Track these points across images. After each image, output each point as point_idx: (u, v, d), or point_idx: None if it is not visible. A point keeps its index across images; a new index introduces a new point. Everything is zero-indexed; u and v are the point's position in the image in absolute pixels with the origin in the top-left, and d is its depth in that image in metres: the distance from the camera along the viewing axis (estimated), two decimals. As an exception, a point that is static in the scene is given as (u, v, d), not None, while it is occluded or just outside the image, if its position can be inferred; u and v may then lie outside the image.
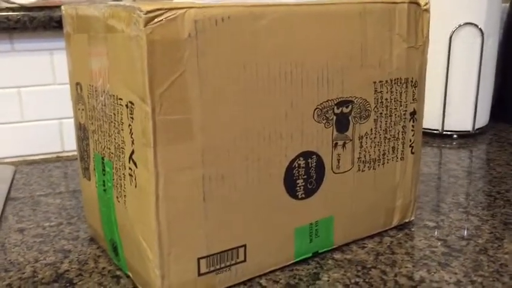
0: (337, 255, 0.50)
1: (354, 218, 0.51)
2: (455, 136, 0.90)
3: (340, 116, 0.47)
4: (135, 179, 0.41)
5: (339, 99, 0.47)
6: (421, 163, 0.78)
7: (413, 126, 0.53)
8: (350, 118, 0.48)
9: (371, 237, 0.54)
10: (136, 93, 0.38)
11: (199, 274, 0.43)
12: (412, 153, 0.54)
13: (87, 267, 0.48)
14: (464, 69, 0.87)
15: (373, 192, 0.52)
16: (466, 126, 0.89)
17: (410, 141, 0.54)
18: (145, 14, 0.36)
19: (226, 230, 0.43)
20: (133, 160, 0.40)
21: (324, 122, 0.46)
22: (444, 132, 0.90)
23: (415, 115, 0.53)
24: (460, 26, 0.84)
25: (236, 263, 0.44)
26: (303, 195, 0.47)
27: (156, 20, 0.36)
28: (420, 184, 0.68)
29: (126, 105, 0.40)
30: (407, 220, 0.56)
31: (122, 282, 0.46)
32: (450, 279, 0.45)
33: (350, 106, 0.48)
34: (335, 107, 0.47)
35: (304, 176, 0.46)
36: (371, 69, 0.48)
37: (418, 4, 0.51)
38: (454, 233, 0.54)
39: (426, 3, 0.52)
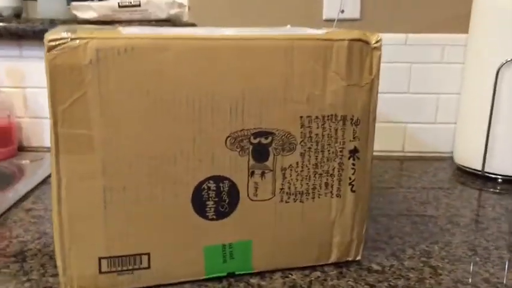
0: (254, 280, 0.52)
1: (278, 246, 0.52)
2: (500, 180, 0.82)
3: (258, 146, 0.49)
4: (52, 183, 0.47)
5: (257, 130, 0.48)
6: (446, 200, 0.73)
7: (353, 164, 0.52)
8: (270, 149, 0.49)
9: (303, 268, 0.54)
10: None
11: (100, 272, 0.48)
12: (353, 191, 0.53)
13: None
14: (510, 108, 0.79)
15: (301, 224, 0.52)
16: (510, 170, 0.81)
17: (350, 179, 0.52)
18: (48, 42, 0.42)
19: (128, 237, 0.48)
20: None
21: (238, 150, 0.48)
22: (487, 174, 0.82)
23: (356, 153, 0.52)
24: (507, 61, 0.77)
25: (139, 268, 0.49)
26: (214, 217, 0.49)
27: (58, 47, 0.42)
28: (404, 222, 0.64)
29: (52, 117, 0.47)
30: (350, 259, 0.55)
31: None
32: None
33: (270, 138, 0.49)
34: (251, 137, 0.48)
35: (215, 199, 0.49)
36: (297, 104, 0.49)
37: (365, 42, 0.50)
38: (390, 281, 0.52)
39: (377, 41, 0.50)
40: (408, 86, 0.95)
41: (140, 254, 0.49)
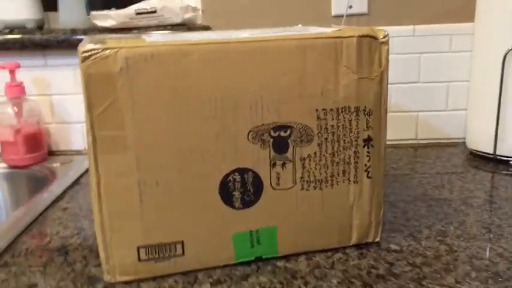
0: (280, 263, 0.55)
1: (301, 231, 0.56)
2: (511, 162, 0.85)
3: (278, 139, 0.53)
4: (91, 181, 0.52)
5: (275, 124, 0.52)
6: (459, 183, 0.76)
7: (368, 152, 0.56)
8: (289, 141, 0.53)
9: (326, 251, 0.57)
10: (86, 114, 0.49)
11: (139, 260, 0.52)
12: (369, 177, 0.56)
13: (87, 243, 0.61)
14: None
15: (321, 210, 0.56)
16: (523, 153, 0.83)
17: (366, 166, 0.56)
18: (82, 53, 0.47)
19: (162, 227, 0.52)
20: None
21: (260, 143, 0.52)
22: (498, 157, 0.85)
23: (370, 142, 0.55)
24: (514, 46, 0.79)
25: (175, 256, 0.53)
26: (240, 206, 0.53)
27: (91, 58, 0.47)
28: (422, 206, 0.68)
29: (88, 121, 0.51)
30: (369, 241, 0.59)
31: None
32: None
33: (289, 131, 0.53)
34: (271, 131, 0.52)
35: (240, 189, 0.53)
36: (312, 99, 0.53)
37: (374, 38, 0.53)
38: (409, 259, 0.55)
39: (384, 36, 0.54)
40: (418, 75, 0.98)
41: (175, 243, 0.53)
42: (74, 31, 0.96)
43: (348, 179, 0.56)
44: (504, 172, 0.83)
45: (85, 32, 0.95)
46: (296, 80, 0.52)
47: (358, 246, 0.59)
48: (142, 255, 0.52)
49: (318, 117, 0.53)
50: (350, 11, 0.95)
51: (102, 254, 0.52)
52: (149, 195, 0.51)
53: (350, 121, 0.54)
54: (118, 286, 0.52)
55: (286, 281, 0.52)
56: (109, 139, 0.49)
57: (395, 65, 0.97)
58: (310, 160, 0.54)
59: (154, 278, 0.53)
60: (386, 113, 0.56)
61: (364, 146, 0.56)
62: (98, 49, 0.47)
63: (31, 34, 0.96)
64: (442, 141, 1.00)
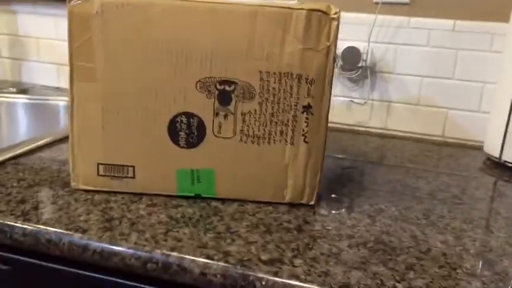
0: (214, 203, 0.63)
1: (238, 179, 0.63)
2: (518, 171, 0.82)
3: (223, 92, 0.60)
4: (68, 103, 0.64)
5: (222, 79, 0.59)
6: (445, 179, 0.77)
7: (307, 118, 0.60)
8: (233, 96, 0.60)
9: (261, 202, 0.64)
10: (70, 46, 0.61)
11: (98, 174, 0.63)
12: (306, 142, 0.61)
13: (81, 161, 0.74)
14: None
15: (257, 163, 0.62)
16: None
17: (303, 130, 0.61)
18: (69, -4, 0.58)
19: (119, 151, 0.62)
20: (73, 90, 0.64)
21: (206, 93, 0.60)
22: (506, 164, 0.82)
23: (309, 109, 0.60)
24: (532, 50, 0.76)
25: (127, 177, 0.63)
26: (185, 145, 0.62)
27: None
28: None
29: (78, 54, 0.63)
30: (303, 202, 0.64)
31: (83, 172, 0.70)
32: (236, 255, 0.54)
33: (233, 86, 0.60)
34: (217, 84, 0.60)
35: (186, 131, 0.61)
36: (257, 61, 0.59)
37: (324, 13, 0.58)
38: (323, 222, 0.59)
39: (335, 13, 0.58)
40: (453, 72, 0.96)
41: (127, 166, 0.63)
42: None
43: (285, 139, 0.61)
44: (505, 178, 0.80)
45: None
46: (245, 41, 0.58)
47: (292, 204, 0.64)
48: (101, 171, 0.63)
49: (261, 79, 0.59)
50: (391, 0, 0.97)
51: (70, 165, 0.64)
52: (110, 122, 0.62)
53: (291, 86, 0.60)
54: (80, 192, 0.64)
55: (207, 215, 0.60)
56: (83, 69, 0.60)
57: (430, 58, 0.96)
58: (250, 116, 0.61)
59: (108, 192, 0.64)
60: (330, 84, 0.60)
61: (303, 112, 0.60)
62: (81, -6, 0.58)
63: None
64: (468, 142, 0.98)
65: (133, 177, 0.64)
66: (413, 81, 0.99)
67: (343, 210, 0.64)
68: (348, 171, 0.79)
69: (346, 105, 1.03)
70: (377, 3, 0.97)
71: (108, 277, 0.55)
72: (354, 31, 0.99)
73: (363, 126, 1.04)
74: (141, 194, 0.64)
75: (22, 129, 1.12)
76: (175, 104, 0.61)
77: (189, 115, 0.61)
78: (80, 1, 0.58)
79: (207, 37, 0.58)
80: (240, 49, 0.59)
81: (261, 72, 0.59)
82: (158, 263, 0.51)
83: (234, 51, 0.59)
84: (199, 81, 0.60)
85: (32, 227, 0.55)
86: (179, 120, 0.61)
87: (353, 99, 1.02)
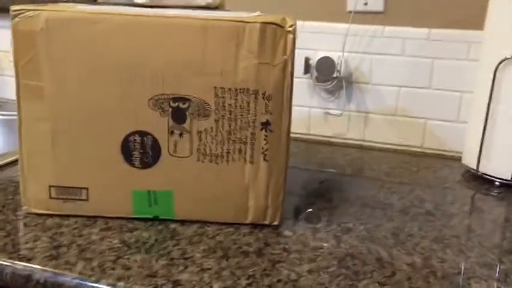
0: (173, 225, 0.60)
1: (197, 200, 0.60)
2: (497, 183, 0.79)
3: (177, 110, 0.57)
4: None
5: (175, 96, 0.57)
6: (419, 193, 0.74)
7: (266, 135, 0.58)
8: (187, 113, 0.57)
9: (223, 224, 0.61)
10: (17, 64, 0.58)
11: (50, 197, 0.60)
12: (266, 160, 0.58)
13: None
14: (507, 108, 0.75)
15: (216, 183, 0.59)
16: (505, 173, 0.77)
17: (263, 148, 0.58)
18: (13, 12, 0.55)
19: (71, 172, 0.59)
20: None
21: (160, 111, 0.57)
22: (484, 176, 0.79)
23: (268, 126, 0.57)
24: (507, 59, 0.73)
25: (80, 199, 0.60)
26: (140, 165, 0.59)
27: (19, 16, 0.55)
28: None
29: (27, 72, 0.60)
30: (266, 222, 0.61)
31: (39, 194, 0.67)
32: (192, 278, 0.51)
33: (187, 103, 0.57)
34: (171, 101, 0.57)
35: (140, 150, 0.58)
36: (211, 76, 0.56)
37: (279, 26, 0.55)
38: (286, 244, 0.56)
39: (291, 26, 0.55)
40: (430, 81, 0.93)
41: (80, 188, 0.60)
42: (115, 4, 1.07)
43: (244, 158, 0.58)
44: (483, 192, 0.77)
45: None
46: (197, 57, 0.56)
47: (255, 225, 0.61)
48: (53, 194, 0.60)
49: (216, 95, 0.57)
50: (365, 8, 0.94)
51: (21, 187, 0.61)
52: (60, 142, 0.59)
53: (248, 103, 0.57)
54: (32, 216, 0.61)
55: (163, 239, 0.57)
56: (29, 87, 0.57)
57: (406, 67, 0.94)
58: (206, 134, 0.58)
59: (61, 216, 0.61)
60: (289, 100, 0.57)
61: (261, 129, 0.58)
62: (25, 10, 0.55)
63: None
64: (448, 153, 0.95)
65: (87, 199, 0.60)
66: (390, 92, 0.96)
67: (309, 230, 0.61)
68: (321, 186, 0.76)
69: (322, 117, 1.01)
70: (350, 12, 0.95)
71: (54, 308, 0.52)
72: (327, 41, 0.96)
73: (340, 138, 1.01)
74: (96, 217, 0.61)
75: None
76: (127, 123, 0.58)
77: (142, 134, 0.58)
78: (23, 16, 0.55)
79: (157, 53, 0.56)
80: (192, 65, 0.56)
81: (215, 88, 0.56)
82: (103, 294, 0.48)
83: (186, 67, 0.56)
84: (152, 98, 0.57)
85: (-28, 257, 0.52)
86: (132, 140, 0.58)
87: (329, 111, 0.99)
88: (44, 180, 0.60)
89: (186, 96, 0.57)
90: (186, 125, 0.58)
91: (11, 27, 0.56)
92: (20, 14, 0.55)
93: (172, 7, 1.02)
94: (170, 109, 0.57)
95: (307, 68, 0.97)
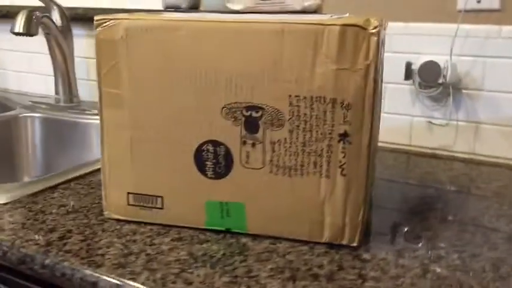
0: (244, 239, 0.57)
1: (270, 214, 0.57)
2: None
3: (250, 119, 0.54)
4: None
5: (248, 104, 0.54)
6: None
7: (344, 148, 0.53)
8: (260, 123, 0.54)
9: (297, 241, 0.57)
10: (100, 73, 0.60)
11: (128, 204, 0.61)
12: (343, 175, 0.53)
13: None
14: None
15: (290, 197, 0.55)
16: None
17: (340, 162, 0.53)
18: (96, 21, 0.57)
19: (148, 181, 0.60)
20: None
21: (232, 120, 0.55)
22: None
23: (346, 137, 0.52)
24: None
25: (155, 208, 0.60)
26: (212, 176, 0.57)
27: (102, 25, 0.56)
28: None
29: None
30: (344, 242, 0.55)
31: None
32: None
33: (260, 112, 0.54)
34: (244, 110, 0.54)
35: (213, 160, 0.57)
36: (286, 83, 0.52)
37: (361, 28, 0.50)
38: (363, 269, 0.51)
39: (375, 28, 0.50)
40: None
41: (156, 196, 0.60)
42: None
43: (320, 172, 0.54)
44: None
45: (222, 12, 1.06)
46: (271, 63, 0.52)
47: (331, 245, 0.56)
48: (131, 201, 0.61)
49: (291, 103, 0.53)
50: (478, 6, 0.84)
51: (103, 193, 0.62)
52: (138, 150, 0.59)
53: (325, 112, 0.52)
54: (111, 221, 0.62)
55: (231, 254, 0.54)
56: (111, 95, 0.58)
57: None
58: (280, 145, 0.54)
59: (139, 223, 0.61)
60: (371, 109, 0.52)
61: (339, 141, 0.53)
62: (106, 19, 0.56)
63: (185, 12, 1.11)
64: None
65: (162, 207, 0.60)
66: (508, 99, 0.85)
67: (392, 254, 0.55)
68: (417, 204, 0.69)
69: (426, 127, 0.92)
70: (460, 11, 0.85)
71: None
72: (432, 43, 0.88)
73: (446, 150, 0.91)
74: (170, 226, 0.60)
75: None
76: (200, 132, 0.56)
77: (215, 143, 0.56)
78: (105, 26, 0.56)
79: (231, 59, 0.54)
80: (266, 72, 0.53)
81: (290, 96, 0.53)
82: (162, 308, 0.47)
83: (260, 74, 0.53)
84: (225, 107, 0.55)
85: (49, 260, 0.53)
86: (205, 149, 0.57)
87: (432, 120, 0.90)
88: (123, 187, 0.61)
89: (259, 105, 0.54)
90: (259, 135, 0.55)
91: (95, 37, 0.57)
92: (102, 23, 0.56)
93: (267, 13, 1.01)
94: (243, 118, 0.55)
95: (408, 74, 0.89)
